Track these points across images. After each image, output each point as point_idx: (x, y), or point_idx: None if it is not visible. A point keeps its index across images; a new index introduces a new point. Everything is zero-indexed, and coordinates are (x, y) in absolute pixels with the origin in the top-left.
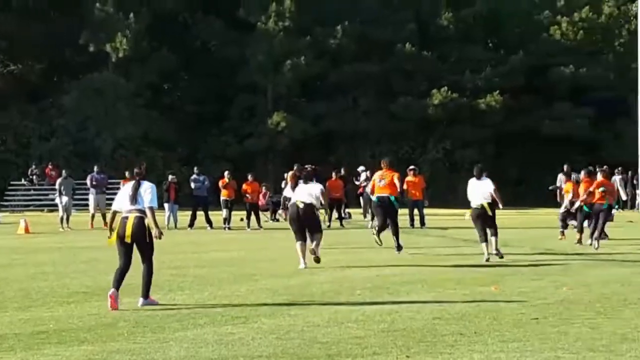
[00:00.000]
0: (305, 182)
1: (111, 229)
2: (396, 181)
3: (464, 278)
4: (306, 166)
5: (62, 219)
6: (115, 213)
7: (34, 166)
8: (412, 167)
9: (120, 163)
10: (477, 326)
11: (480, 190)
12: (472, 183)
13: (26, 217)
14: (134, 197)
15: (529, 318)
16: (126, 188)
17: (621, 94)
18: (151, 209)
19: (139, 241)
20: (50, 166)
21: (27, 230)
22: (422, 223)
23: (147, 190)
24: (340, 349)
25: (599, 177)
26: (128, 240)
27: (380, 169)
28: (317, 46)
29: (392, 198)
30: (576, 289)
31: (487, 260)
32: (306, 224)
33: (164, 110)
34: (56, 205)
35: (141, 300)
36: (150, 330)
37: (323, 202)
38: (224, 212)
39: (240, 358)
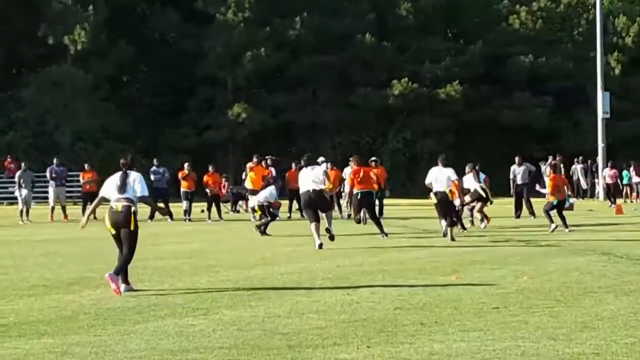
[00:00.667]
0: (307, 166)
1: (92, 214)
2: (372, 176)
3: (425, 268)
4: (266, 157)
5: (21, 211)
6: (101, 199)
7: None
8: (373, 158)
9: (79, 156)
10: (438, 316)
11: (444, 176)
12: (435, 170)
13: None
14: (123, 187)
15: (490, 307)
16: (114, 178)
17: (580, 83)
18: (144, 197)
19: (124, 229)
20: (9, 159)
21: None
22: (380, 213)
23: (137, 180)
24: (301, 340)
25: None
26: (112, 231)
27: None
28: (276, 37)
29: (373, 192)
30: (536, 278)
31: (444, 235)
32: (319, 207)
33: (122, 103)
34: (15, 198)
35: (123, 286)
36: (111, 322)
37: (326, 182)
38: (184, 204)
39: (201, 350)
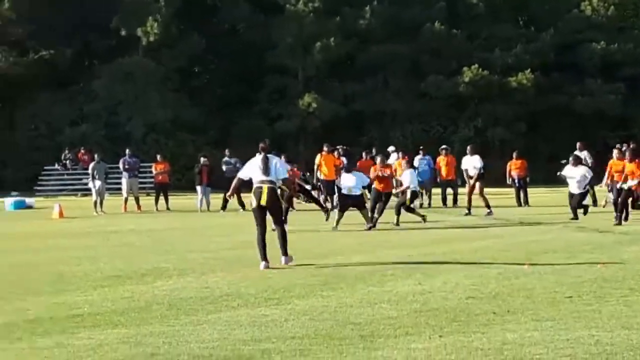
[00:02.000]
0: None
1: (233, 195)
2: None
3: (497, 257)
4: (338, 147)
5: (95, 203)
6: (240, 180)
7: (67, 151)
8: (444, 146)
9: (151, 147)
10: (511, 305)
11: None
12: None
13: (60, 202)
14: (266, 169)
15: (563, 296)
16: (255, 161)
17: None
18: (285, 179)
19: (272, 207)
20: (82, 151)
21: (61, 215)
22: (455, 201)
23: (278, 163)
24: (373, 330)
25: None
26: (264, 203)
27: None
28: (346, 27)
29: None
30: (610, 266)
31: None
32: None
33: (193, 94)
34: (89, 189)
35: (283, 258)
36: (184, 312)
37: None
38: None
39: (273, 339)
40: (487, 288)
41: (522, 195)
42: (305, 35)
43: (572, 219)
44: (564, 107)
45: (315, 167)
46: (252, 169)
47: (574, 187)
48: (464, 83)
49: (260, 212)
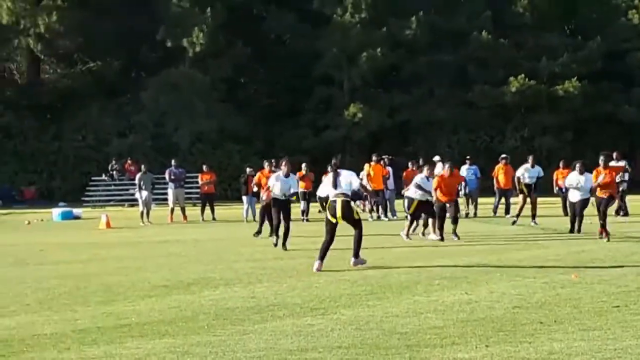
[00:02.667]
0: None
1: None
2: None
3: (544, 266)
4: (383, 157)
5: (142, 213)
6: (321, 199)
7: (113, 162)
8: (503, 155)
9: (197, 157)
10: (557, 315)
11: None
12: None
13: (107, 212)
14: (335, 184)
15: (610, 306)
16: (328, 178)
17: None
18: (356, 190)
19: (348, 218)
20: (129, 161)
21: (108, 225)
22: (507, 211)
23: (347, 177)
24: (419, 339)
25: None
26: (340, 221)
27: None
28: (392, 37)
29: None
30: None
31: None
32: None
33: (240, 104)
34: (136, 200)
35: (352, 259)
36: (230, 322)
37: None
38: (302, 204)
39: (319, 349)
40: (534, 298)
41: (563, 202)
42: (351, 46)
43: (571, 231)
44: (611, 115)
45: (364, 176)
46: (325, 186)
47: (576, 196)
48: (511, 92)
49: (332, 225)
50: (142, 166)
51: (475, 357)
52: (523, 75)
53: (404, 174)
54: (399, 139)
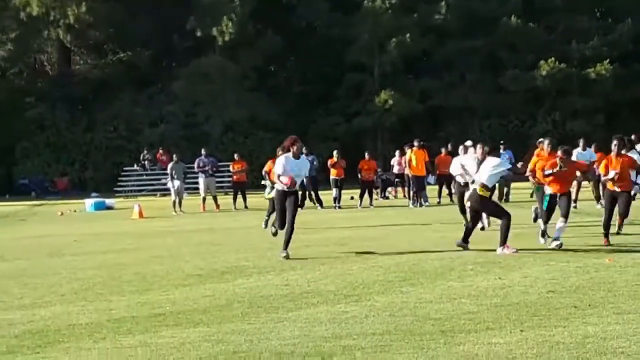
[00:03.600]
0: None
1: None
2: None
3: (578, 251)
4: (414, 142)
5: (174, 202)
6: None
7: (145, 151)
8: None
9: (228, 146)
10: (592, 299)
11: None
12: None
13: (140, 202)
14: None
15: None
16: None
17: None
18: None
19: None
20: (161, 151)
21: (141, 215)
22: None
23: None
24: (454, 325)
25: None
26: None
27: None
28: (422, 23)
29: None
30: None
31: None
32: None
33: (270, 93)
34: (168, 189)
35: (499, 249)
36: (264, 310)
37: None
38: (334, 191)
39: (354, 336)
40: (568, 282)
41: (602, 188)
42: (381, 32)
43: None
44: None
45: (406, 162)
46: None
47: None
48: (542, 76)
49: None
50: (174, 156)
51: (510, 342)
52: (553, 58)
53: (436, 159)
54: (430, 125)
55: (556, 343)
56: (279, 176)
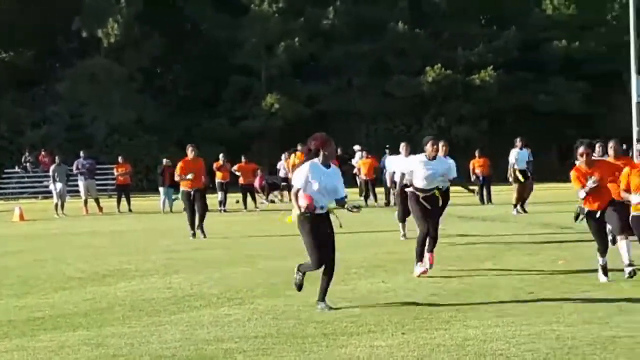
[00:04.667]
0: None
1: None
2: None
3: (461, 255)
4: (298, 145)
5: (56, 205)
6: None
7: (27, 153)
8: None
9: (114, 148)
10: (473, 302)
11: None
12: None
13: (21, 205)
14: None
15: (525, 292)
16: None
17: (615, 67)
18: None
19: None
20: (43, 153)
21: (22, 218)
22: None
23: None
24: (336, 328)
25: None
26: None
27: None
28: (310, 27)
29: None
30: (572, 263)
31: None
32: None
33: (157, 95)
34: (50, 192)
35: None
36: (146, 313)
37: None
38: (219, 195)
39: (236, 339)
40: (450, 285)
41: (485, 193)
42: (269, 36)
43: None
44: (526, 105)
45: (290, 166)
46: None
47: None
48: (428, 82)
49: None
50: (57, 158)
51: (392, 345)
52: (439, 65)
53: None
54: (316, 129)
55: (437, 345)
56: (296, 193)
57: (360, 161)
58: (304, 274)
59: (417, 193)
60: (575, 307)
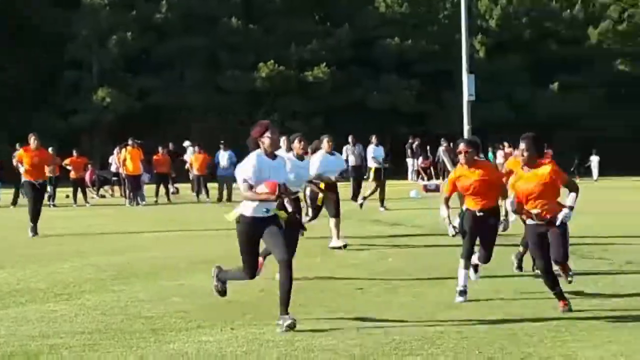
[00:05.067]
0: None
1: None
2: None
3: (297, 250)
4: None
5: None
6: None
7: None
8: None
9: None
10: (304, 297)
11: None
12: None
13: None
14: None
15: (354, 288)
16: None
17: (446, 65)
18: None
19: None
20: None
21: None
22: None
23: None
24: (165, 323)
25: None
26: None
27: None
28: (142, 20)
29: None
30: (402, 260)
31: None
32: None
33: None
34: None
35: None
36: None
37: None
38: (49, 189)
39: (62, 335)
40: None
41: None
42: (100, 29)
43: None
44: (360, 102)
45: (120, 161)
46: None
47: None
48: (261, 78)
49: None
50: None
51: (221, 340)
52: (273, 61)
53: (154, 158)
54: (148, 124)
55: (266, 341)
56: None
57: (192, 156)
58: (224, 282)
59: None
60: (404, 303)
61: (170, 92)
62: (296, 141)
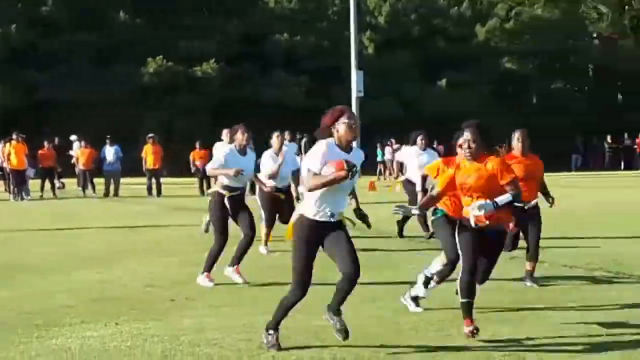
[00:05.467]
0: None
1: None
2: None
3: (181, 248)
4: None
5: None
6: None
7: None
8: (151, 135)
9: None
10: (190, 293)
11: None
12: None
13: None
14: None
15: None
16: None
17: (335, 62)
18: None
19: None
20: None
21: None
22: (159, 193)
23: None
24: (48, 319)
25: None
26: None
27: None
28: (28, 14)
29: None
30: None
31: None
32: None
33: None
34: None
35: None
36: None
37: None
38: None
39: None
40: (167, 276)
41: (204, 184)
42: None
43: None
44: (249, 98)
45: (5, 156)
46: None
47: None
48: (149, 73)
49: None
50: None
51: (104, 335)
52: (161, 56)
53: (39, 153)
54: (36, 118)
55: (151, 336)
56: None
57: (78, 151)
58: (276, 329)
59: None
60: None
61: (57, 87)
62: (239, 132)
